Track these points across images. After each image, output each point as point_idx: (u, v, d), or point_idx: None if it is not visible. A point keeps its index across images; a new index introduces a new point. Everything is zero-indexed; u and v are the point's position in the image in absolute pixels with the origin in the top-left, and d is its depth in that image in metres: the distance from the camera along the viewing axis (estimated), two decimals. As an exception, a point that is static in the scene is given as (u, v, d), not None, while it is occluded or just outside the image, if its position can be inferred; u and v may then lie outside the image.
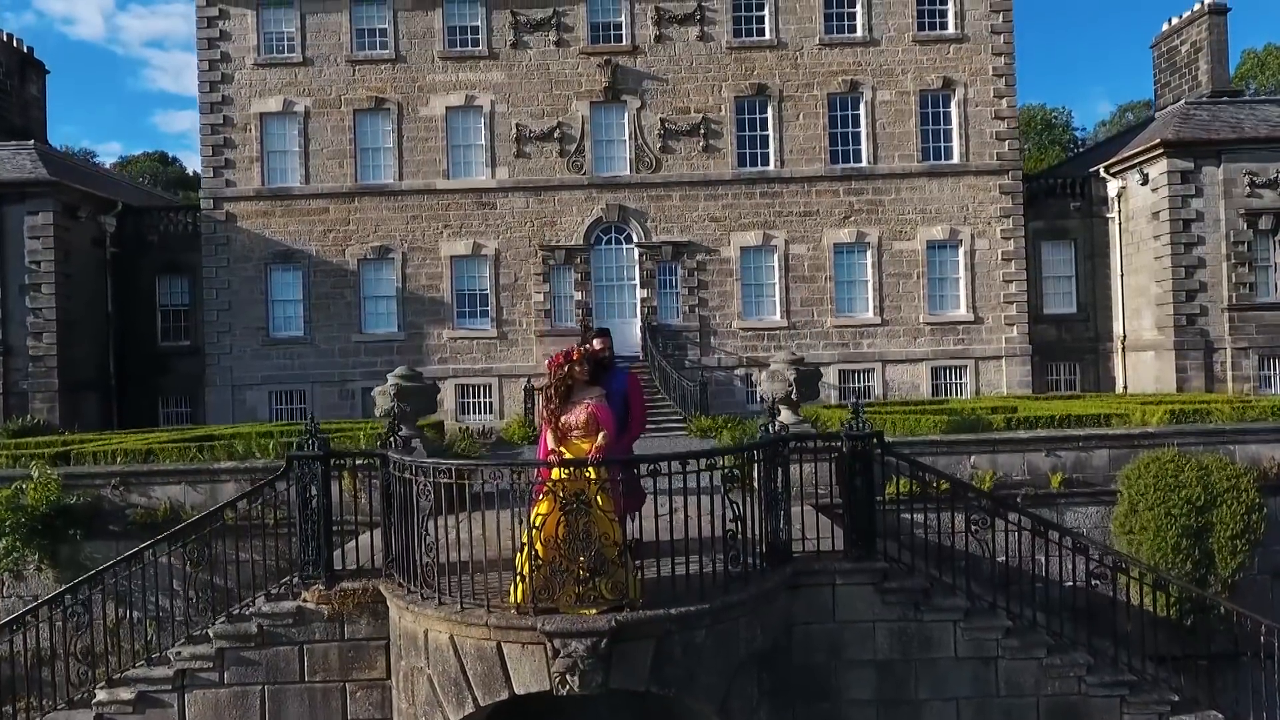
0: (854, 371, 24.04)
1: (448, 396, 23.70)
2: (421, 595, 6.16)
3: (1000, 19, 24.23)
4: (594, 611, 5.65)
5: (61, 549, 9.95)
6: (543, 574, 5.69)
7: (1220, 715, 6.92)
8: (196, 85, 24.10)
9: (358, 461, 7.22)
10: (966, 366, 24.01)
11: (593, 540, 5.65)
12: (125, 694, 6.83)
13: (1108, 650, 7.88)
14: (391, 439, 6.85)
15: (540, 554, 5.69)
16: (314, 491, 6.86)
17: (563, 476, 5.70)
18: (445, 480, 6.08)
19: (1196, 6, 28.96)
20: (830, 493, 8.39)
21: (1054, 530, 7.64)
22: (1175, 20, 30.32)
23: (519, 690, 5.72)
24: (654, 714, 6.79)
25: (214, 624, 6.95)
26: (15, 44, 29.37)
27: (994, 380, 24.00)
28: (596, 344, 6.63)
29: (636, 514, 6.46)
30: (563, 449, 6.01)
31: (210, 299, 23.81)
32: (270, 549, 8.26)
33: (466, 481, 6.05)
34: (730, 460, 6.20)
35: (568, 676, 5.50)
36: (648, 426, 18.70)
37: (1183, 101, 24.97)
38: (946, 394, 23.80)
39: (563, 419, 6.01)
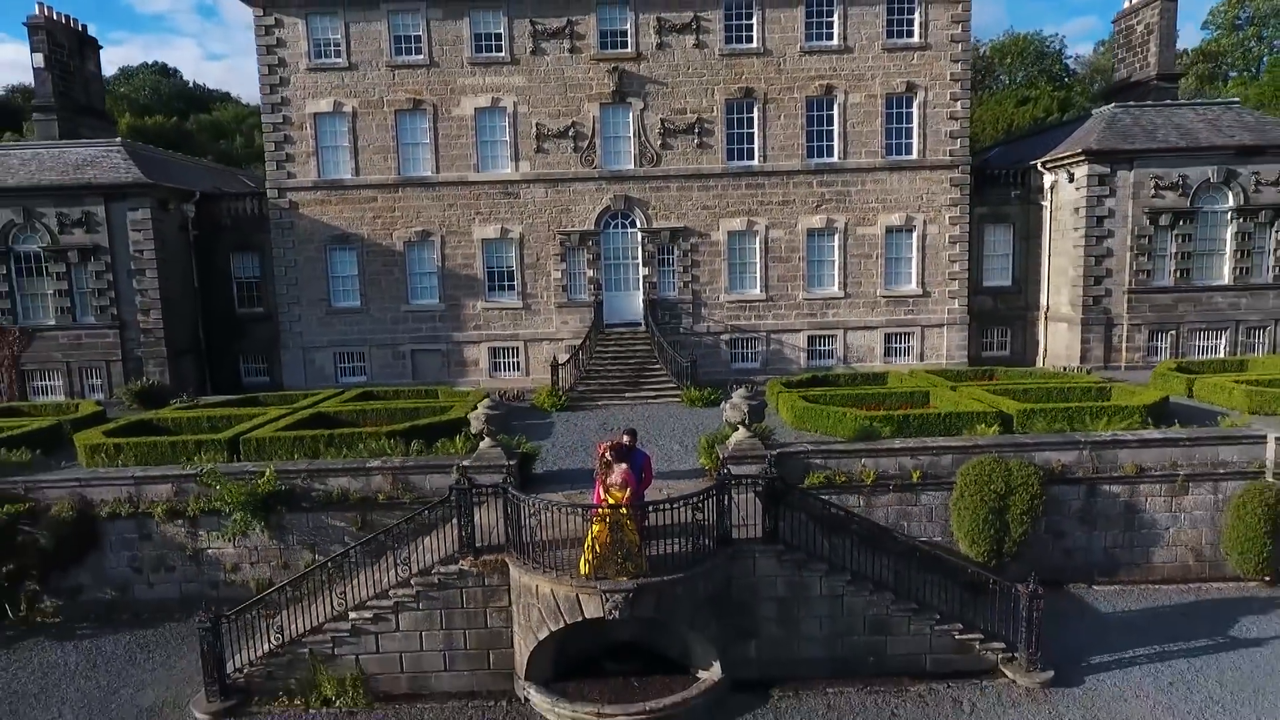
0: (820, 337, 29.49)
1: (482, 358, 29.34)
2: (532, 566, 11.98)
3: (959, 29, 28.25)
4: (625, 579, 11.45)
5: (272, 518, 15.74)
6: (599, 560, 11.48)
7: (961, 625, 12.89)
8: (259, 89, 28.31)
9: (491, 488, 12.81)
10: (914, 333, 29.46)
11: (624, 544, 11.40)
12: (367, 614, 12.76)
13: (946, 579, 13.71)
14: (510, 478, 12.39)
15: (598, 550, 11.46)
16: (471, 508, 12.53)
17: (607, 512, 11.38)
18: (551, 506, 11.81)
19: None
20: (762, 475, 13.83)
21: (892, 535, 13.42)
22: (1134, 0, 34.12)
23: (588, 616, 11.61)
24: (651, 627, 12.69)
25: (410, 577, 12.79)
26: (72, 23, 33.13)
27: (936, 345, 29.52)
28: (626, 439, 12.22)
29: (646, 516, 12.11)
30: (607, 496, 11.65)
31: (280, 275, 28.91)
32: (406, 515, 14.05)
33: (561, 510, 11.73)
34: (699, 499, 11.84)
35: (613, 610, 11.36)
36: (646, 394, 24.29)
37: (1112, 105, 29.31)
38: (897, 357, 29.39)
39: (608, 480, 11.64)
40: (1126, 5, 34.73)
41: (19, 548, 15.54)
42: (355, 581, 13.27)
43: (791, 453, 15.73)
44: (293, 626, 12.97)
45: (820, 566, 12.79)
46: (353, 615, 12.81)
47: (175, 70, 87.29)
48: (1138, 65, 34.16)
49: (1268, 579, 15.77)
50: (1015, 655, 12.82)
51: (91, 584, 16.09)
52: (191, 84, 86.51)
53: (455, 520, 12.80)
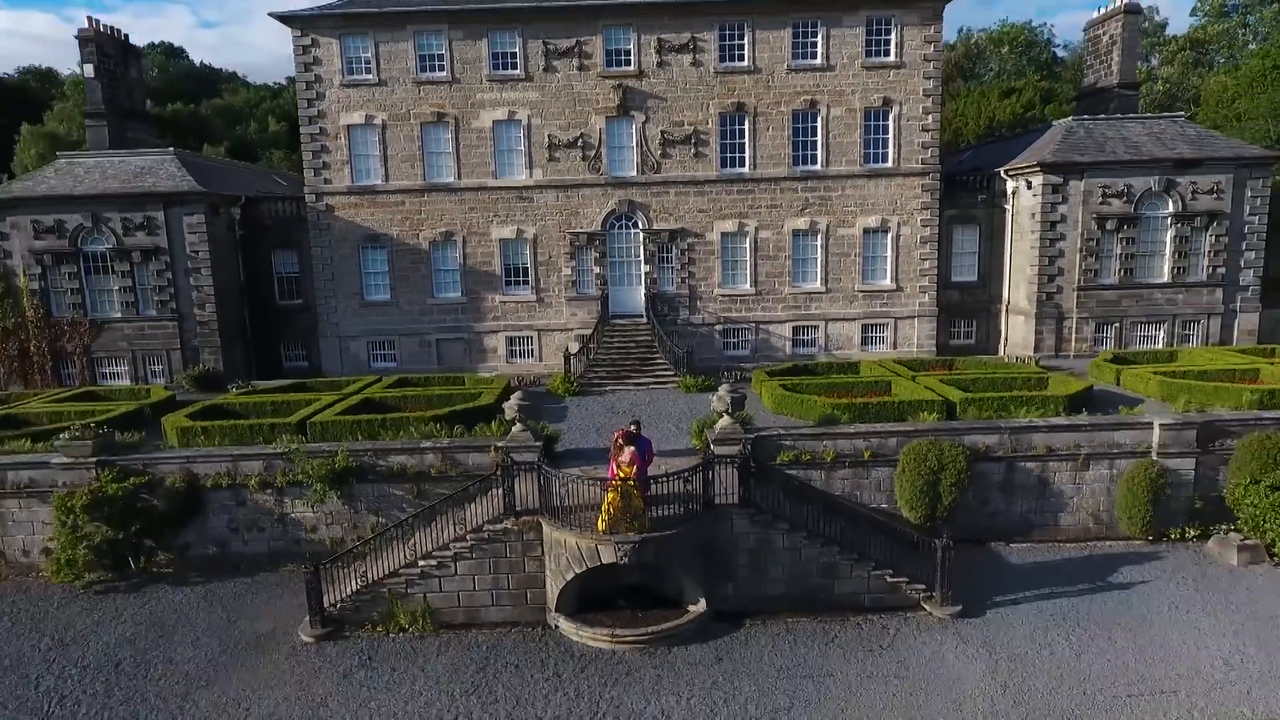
0: (804, 327, 33.29)
1: (500, 346, 33.16)
2: (561, 525, 15.96)
3: (932, 49, 31.68)
4: (632, 533, 15.42)
5: (345, 488, 19.65)
6: (613, 519, 15.44)
7: (892, 571, 16.87)
8: (298, 104, 31.79)
9: (527, 464, 16.73)
10: (888, 324, 33.26)
11: (632, 508, 15.36)
12: (432, 562, 16.74)
13: (886, 537, 17.66)
14: (541, 457, 16.32)
15: (611, 512, 15.42)
16: (513, 480, 16.47)
17: (618, 482, 15.32)
18: (574, 479, 15.75)
19: (1116, 4, 36.17)
20: (739, 454, 17.82)
21: (844, 501, 17.39)
22: (1102, 11, 37.56)
23: (604, 561, 15.59)
24: (652, 572, 16.65)
25: (466, 533, 16.74)
26: (116, 34, 36.44)
27: (908, 335, 33.33)
28: (633, 428, 16.13)
29: (648, 486, 16.05)
30: (618, 471, 15.57)
31: (318, 271, 32.65)
32: (453, 487, 18.03)
33: (582, 481, 15.67)
34: (689, 474, 15.77)
35: (622, 557, 15.36)
36: (648, 379, 28.06)
37: (1069, 119, 32.88)
38: (872, 345, 33.21)
39: (619, 459, 15.56)
40: (1095, 15, 38.09)
41: (139, 512, 19.48)
42: (418, 537, 17.25)
43: (766, 436, 19.64)
44: (373, 572, 16.96)
45: (783, 526, 16.76)
46: (421, 563, 16.80)
47: (181, 49, 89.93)
48: (1104, 72, 37.56)
49: (1150, 538, 19.76)
50: (933, 594, 16.82)
51: (197, 542, 20.08)
52: (200, 64, 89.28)
53: (500, 489, 16.77)
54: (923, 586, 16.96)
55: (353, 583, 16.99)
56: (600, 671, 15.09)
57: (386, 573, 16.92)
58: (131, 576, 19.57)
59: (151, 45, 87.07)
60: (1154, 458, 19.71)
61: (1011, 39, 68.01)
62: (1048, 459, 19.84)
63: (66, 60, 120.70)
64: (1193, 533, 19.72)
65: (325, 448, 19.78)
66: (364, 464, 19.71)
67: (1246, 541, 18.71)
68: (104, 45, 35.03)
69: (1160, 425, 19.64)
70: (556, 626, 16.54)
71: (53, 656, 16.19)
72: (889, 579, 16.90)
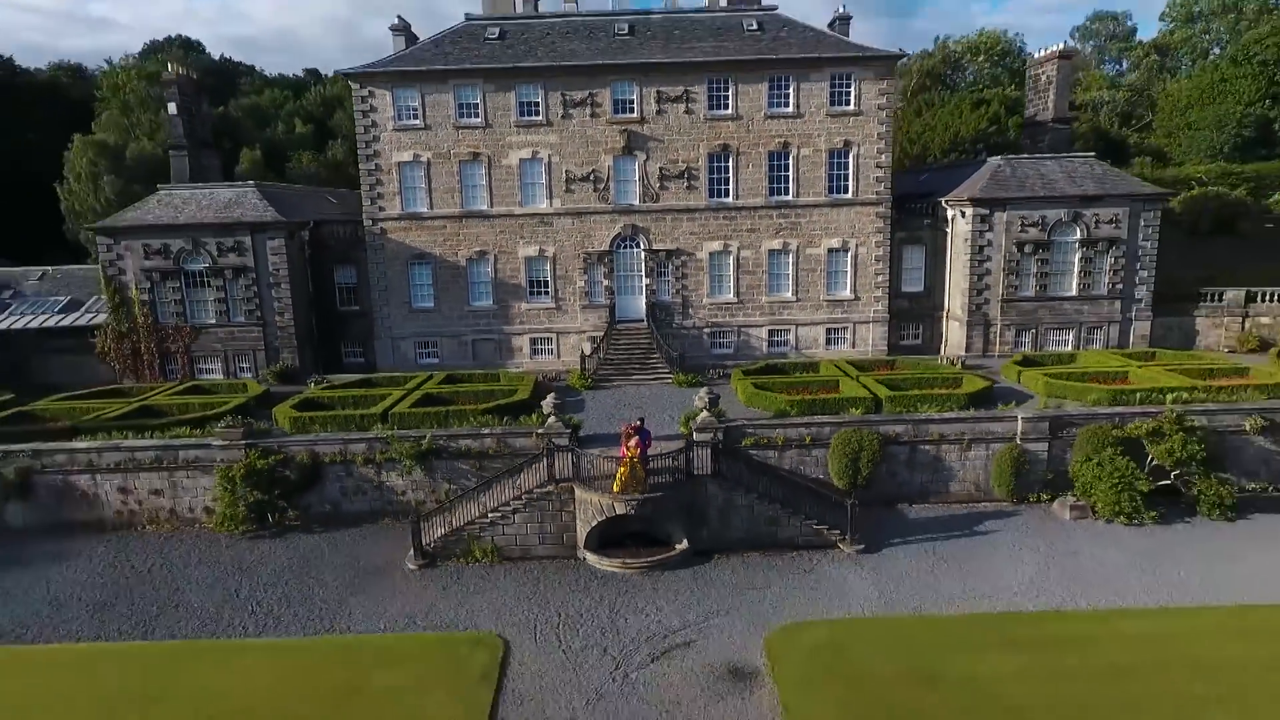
0: (777, 330, 41.07)
1: (524, 345, 41.00)
2: (587, 488, 23.95)
3: (885, 99, 39.14)
4: (637, 494, 23.39)
5: (426, 463, 27.55)
6: (623, 485, 23.42)
7: (816, 520, 24.81)
8: (357, 145, 39.32)
9: (564, 447, 24.63)
10: (847, 328, 41.06)
11: (637, 476, 23.36)
12: (498, 514, 24.68)
13: (816, 499, 25.63)
14: (571, 440, 24.23)
15: (622, 480, 23.40)
16: (554, 457, 24.39)
17: (628, 460, 23.25)
18: (596, 457, 23.69)
19: (1052, 49, 43.65)
20: (712, 440, 25.76)
21: (792, 474, 25.38)
22: (1040, 54, 45.03)
23: (618, 513, 23.57)
24: (651, 522, 24.56)
25: (520, 494, 24.69)
26: (190, 74, 43.81)
27: (864, 336, 41.15)
28: (638, 422, 24.00)
29: (648, 462, 23.96)
30: (628, 452, 23.47)
31: (374, 283, 40.39)
32: (505, 463, 26.01)
33: (601, 459, 23.61)
34: (676, 454, 23.68)
35: (630, 510, 23.37)
36: (648, 376, 36.29)
37: (998, 158, 40.43)
38: (835, 345, 41.02)
39: (628, 444, 23.45)
40: (1036, 56, 45.51)
41: (277, 480, 27.42)
42: (486, 497, 25.18)
43: (734, 425, 27.54)
44: (455, 522, 24.93)
45: (742, 490, 24.74)
46: (490, 515, 24.79)
47: (199, 44, 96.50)
48: (1041, 106, 45.06)
49: (1014, 501, 27.73)
50: (845, 537, 24.81)
51: (316, 503, 28.03)
52: (220, 58, 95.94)
53: (543, 463, 24.71)
54: (839, 532, 24.95)
55: (440, 529, 24.99)
56: (615, 586, 23.09)
57: (464, 522, 24.90)
58: (270, 528, 27.55)
59: (169, 39, 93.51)
60: (1018, 442, 27.60)
61: (988, 48, 74.87)
62: (941, 442, 27.75)
63: (66, 35, 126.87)
64: (1045, 497, 27.70)
65: (411, 434, 27.70)
66: (439, 445, 27.62)
67: (1078, 503, 26.69)
68: (184, 86, 42.45)
69: (1023, 419, 27.53)
70: (584, 559, 24.53)
71: (239, 578, 24.24)
72: (815, 527, 24.91)
